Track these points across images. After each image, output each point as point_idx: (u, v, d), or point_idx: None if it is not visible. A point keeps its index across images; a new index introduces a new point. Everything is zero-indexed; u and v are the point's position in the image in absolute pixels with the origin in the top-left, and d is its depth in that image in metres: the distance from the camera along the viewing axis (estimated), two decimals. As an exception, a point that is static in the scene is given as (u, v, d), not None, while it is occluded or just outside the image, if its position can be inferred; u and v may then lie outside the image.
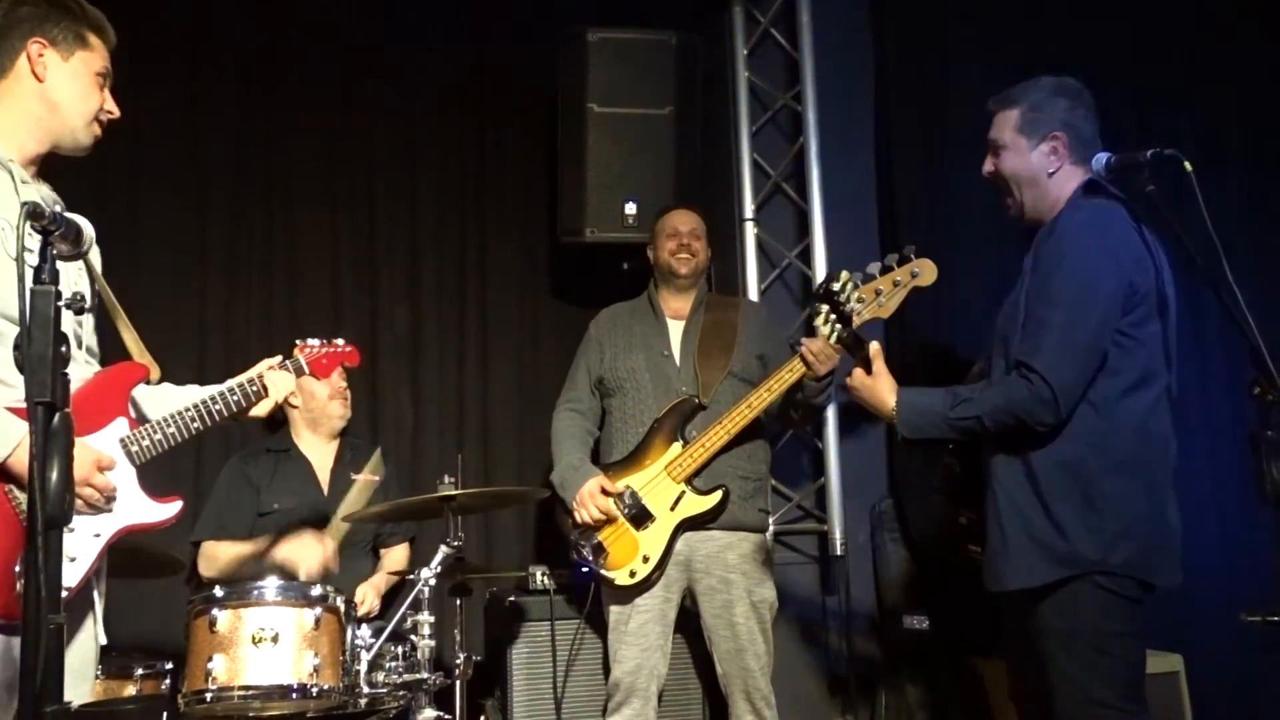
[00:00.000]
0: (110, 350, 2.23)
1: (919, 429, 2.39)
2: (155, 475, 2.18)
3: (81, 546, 1.99)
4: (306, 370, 2.55)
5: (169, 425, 2.15)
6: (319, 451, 3.45)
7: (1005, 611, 2.48)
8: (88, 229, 1.48)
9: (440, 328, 4.15)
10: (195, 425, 2.19)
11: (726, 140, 4.03)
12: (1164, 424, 2.31)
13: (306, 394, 3.34)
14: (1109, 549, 2.21)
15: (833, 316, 2.81)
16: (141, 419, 2.18)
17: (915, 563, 3.76)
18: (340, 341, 2.69)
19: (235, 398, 2.28)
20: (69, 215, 1.44)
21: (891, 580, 3.77)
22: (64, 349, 1.35)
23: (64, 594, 1.41)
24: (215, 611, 2.51)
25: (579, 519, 3.09)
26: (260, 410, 2.38)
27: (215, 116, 3.99)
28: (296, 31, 4.10)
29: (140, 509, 2.10)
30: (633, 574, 3.05)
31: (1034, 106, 2.40)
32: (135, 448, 2.10)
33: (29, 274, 1.34)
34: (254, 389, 2.33)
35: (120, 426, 2.10)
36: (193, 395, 2.26)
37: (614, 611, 3.14)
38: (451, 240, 4.21)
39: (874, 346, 2.51)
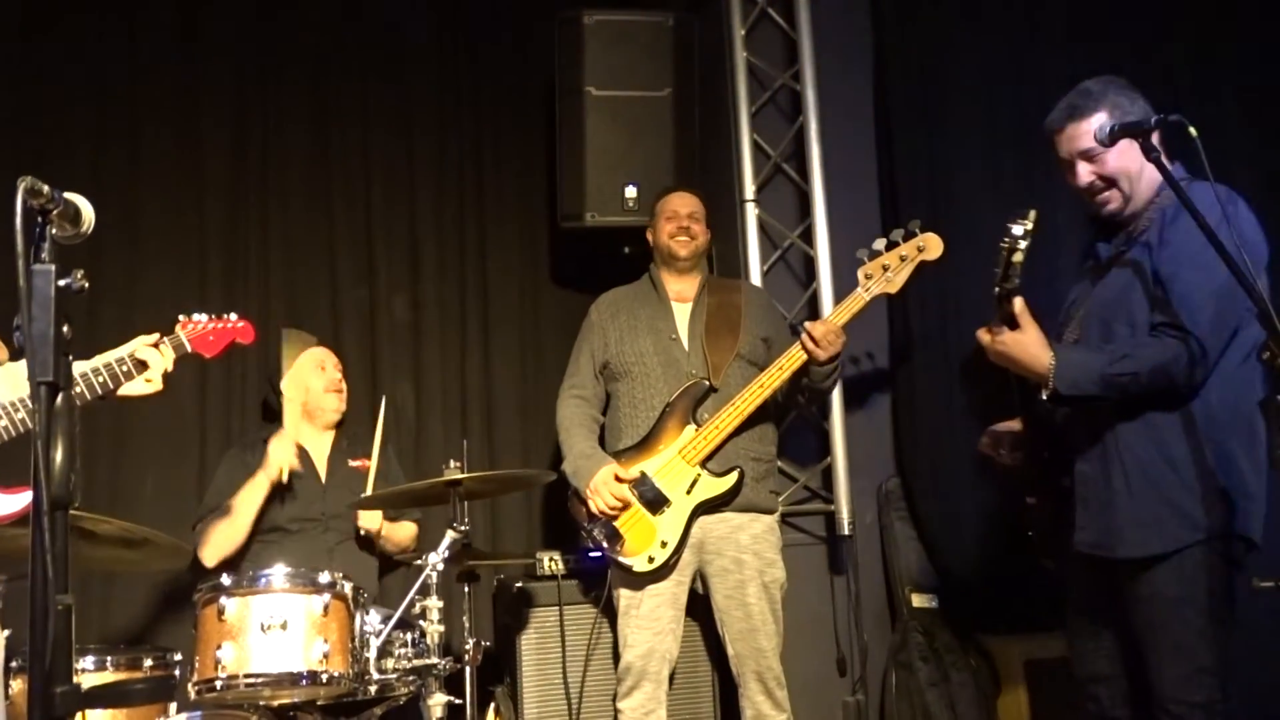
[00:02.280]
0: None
1: (1075, 384, 2.31)
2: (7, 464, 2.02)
3: None
4: (188, 347, 2.42)
5: (17, 411, 1.99)
6: (315, 441, 3.44)
7: (1078, 586, 2.47)
8: (87, 210, 1.46)
9: (441, 315, 4.14)
10: (21, 415, 2.01)
11: (726, 121, 4.00)
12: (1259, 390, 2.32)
13: (300, 386, 3.34)
14: (1234, 513, 2.24)
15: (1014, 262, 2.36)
16: None
17: (923, 541, 3.75)
18: (233, 316, 2.60)
19: (101, 379, 2.13)
20: (68, 195, 1.42)
21: (899, 559, 3.76)
22: (65, 329, 1.34)
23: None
24: (224, 599, 2.52)
25: (594, 508, 3.06)
26: (134, 390, 2.23)
27: (211, 106, 3.97)
28: (292, 17, 4.08)
29: None
30: (651, 559, 3.04)
31: (1116, 105, 2.39)
32: None
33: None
34: (124, 369, 2.18)
35: None
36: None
37: (624, 596, 3.12)
38: (451, 226, 4.20)
39: (1019, 302, 2.36)
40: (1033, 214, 2.26)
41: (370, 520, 3.28)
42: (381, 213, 4.12)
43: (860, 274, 3.08)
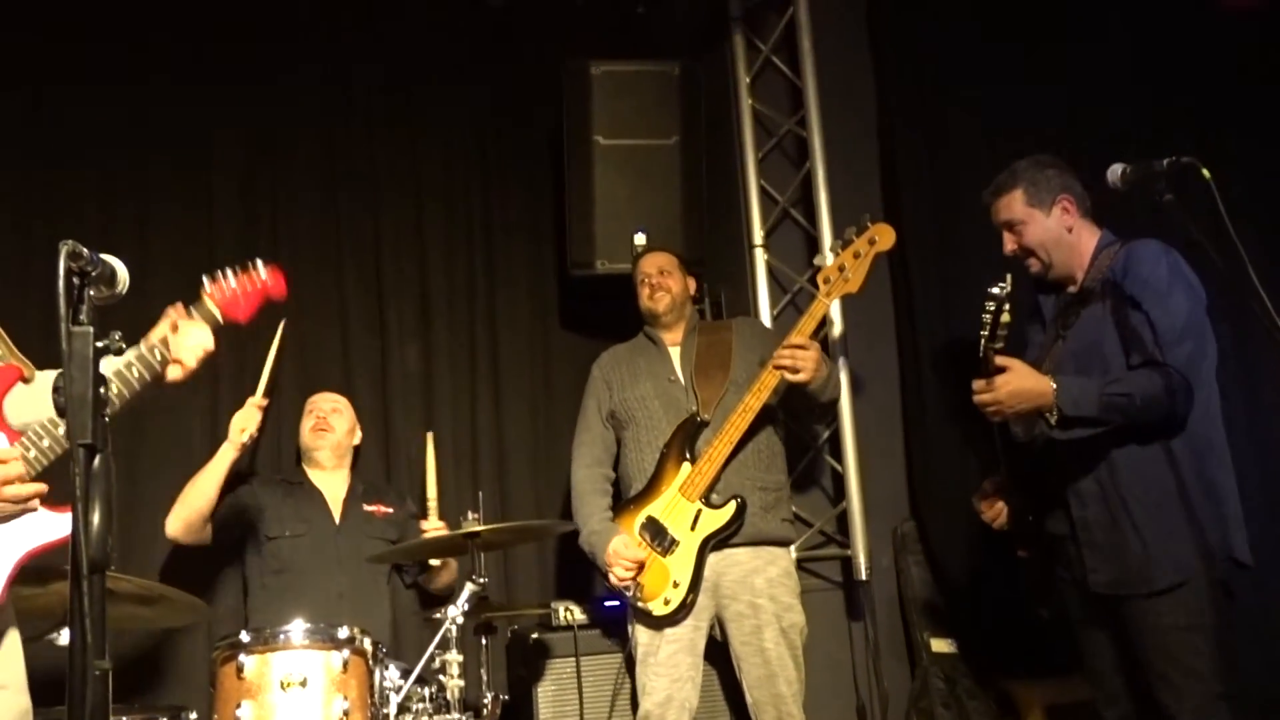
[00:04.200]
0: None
1: (1078, 404, 2.42)
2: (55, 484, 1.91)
3: None
4: (220, 319, 2.14)
5: (57, 427, 1.84)
6: (330, 483, 3.45)
7: (1094, 620, 2.54)
8: (122, 271, 1.47)
9: (452, 365, 4.12)
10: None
11: (733, 168, 4.05)
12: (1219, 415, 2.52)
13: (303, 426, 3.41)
14: (1226, 537, 2.37)
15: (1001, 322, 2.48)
16: (22, 427, 1.92)
17: (940, 584, 3.73)
18: (259, 265, 2.27)
19: (137, 372, 1.93)
20: (104, 257, 1.43)
21: (917, 603, 3.73)
22: (103, 390, 1.34)
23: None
24: (242, 657, 2.49)
25: (616, 578, 3.07)
26: (175, 376, 1.99)
27: (222, 158, 3.97)
28: (300, 70, 4.11)
29: (41, 526, 1.88)
30: (667, 601, 3.03)
31: (1032, 181, 2.65)
32: (32, 453, 1.87)
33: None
34: (158, 358, 1.97)
35: None
36: None
37: (642, 643, 3.10)
38: (460, 276, 4.20)
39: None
40: (1009, 276, 2.40)
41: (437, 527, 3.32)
42: (391, 262, 4.12)
43: (819, 280, 3.13)
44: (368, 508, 3.39)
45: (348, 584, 3.25)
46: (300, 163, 4.08)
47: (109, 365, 1.80)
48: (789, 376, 3.05)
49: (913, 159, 3.96)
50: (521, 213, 4.33)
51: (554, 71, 4.06)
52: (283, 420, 3.77)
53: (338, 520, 3.36)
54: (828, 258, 3.10)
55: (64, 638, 1.96)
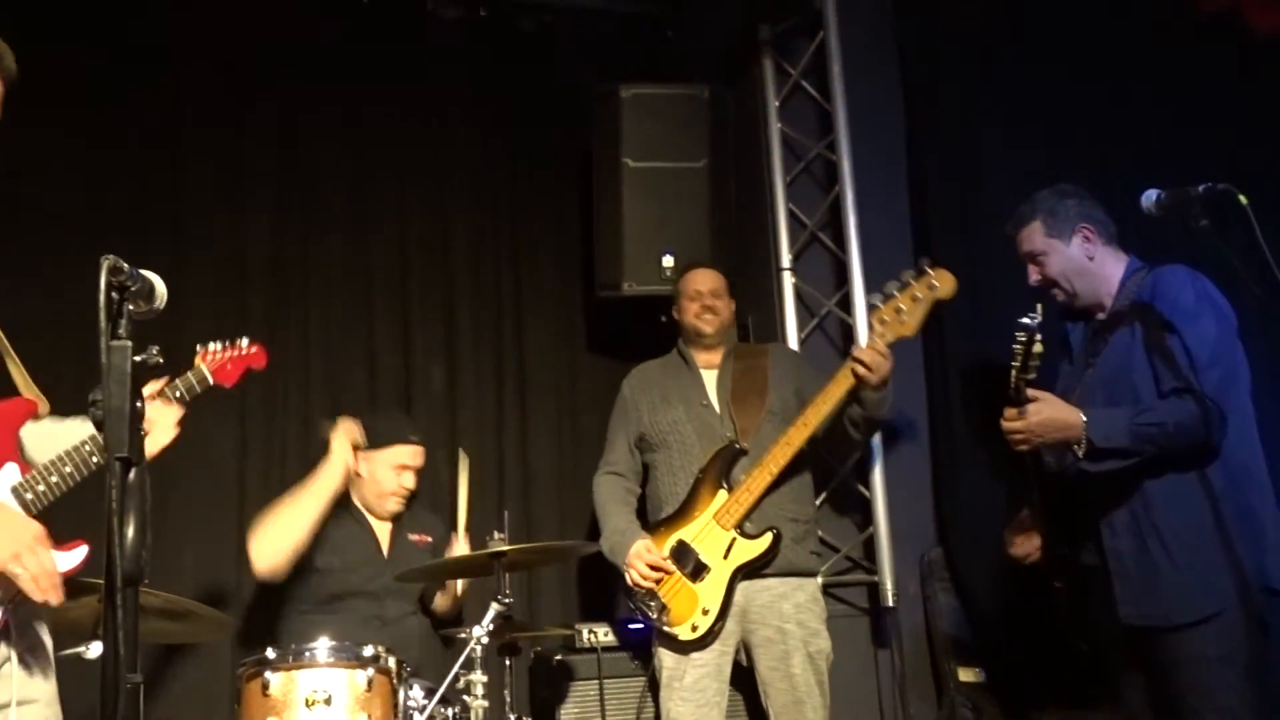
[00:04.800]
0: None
1: (1108, 436, 2.41)
2: (60, 520, 1.94)
3: None
4: (210, 380, 2.33)
5: (65, 464, 1.90)
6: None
7: (1126, 653, 2.50)
8: (160, 286, 1.48)
9: (478, 385, 4.14)
10: (95, 460, 1.92)
11: (761, 191, 4.05)
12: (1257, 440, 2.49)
13: (373, 478, 3.27)
14: (1262, 566, 2.32)
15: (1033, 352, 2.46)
16: (29, 461, 1.95)
17: (968, 612, 3.68)
18: (244, 342, 2.50)
19: (90, 449, 1.94)
20: (143, 273, 1.45)
21: (944, 632, 3.69)
22: (140, 404, 1.35)
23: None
24: (268, 674, 2.49)
25: (630, 581, 3.06)
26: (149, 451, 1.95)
27: (252, 179, 4.02)
28: (330, 91, 4.15)
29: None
30: (694, 628, 3.02)
31: (1050, 211, 2.65)
32: (30, 495, 1.88)
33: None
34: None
35: (10, 473, 1.89)
36: (86, 428, 1.99)
37: (667, 667, 3.08)
38: (487, 297, 4.23)
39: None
40: (1040, 306, 2.40)
41: (462, 547, 3.27)
42: (419, 282, 4.16)
43: (874, 320, 3.06)
44: (412, 537, 3.35)
45: (392, 615, 3.21)
46: (331, 185, 4.12)
47: (67, 439, 1.92)
48: (862, 373, 2.98)
49: (942, 183, 3.94)
50: (549, 234, 4.36)
51: (584, 94, 4.09)
52: (309, 434, 3.79)
53: (386, 554, 3.30)
54: (880, 297, 3.05)
55: (93, 651, 1.97)
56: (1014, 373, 2.41)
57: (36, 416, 2.00)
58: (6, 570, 1.74)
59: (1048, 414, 2.44)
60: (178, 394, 2.26)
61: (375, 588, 3.21)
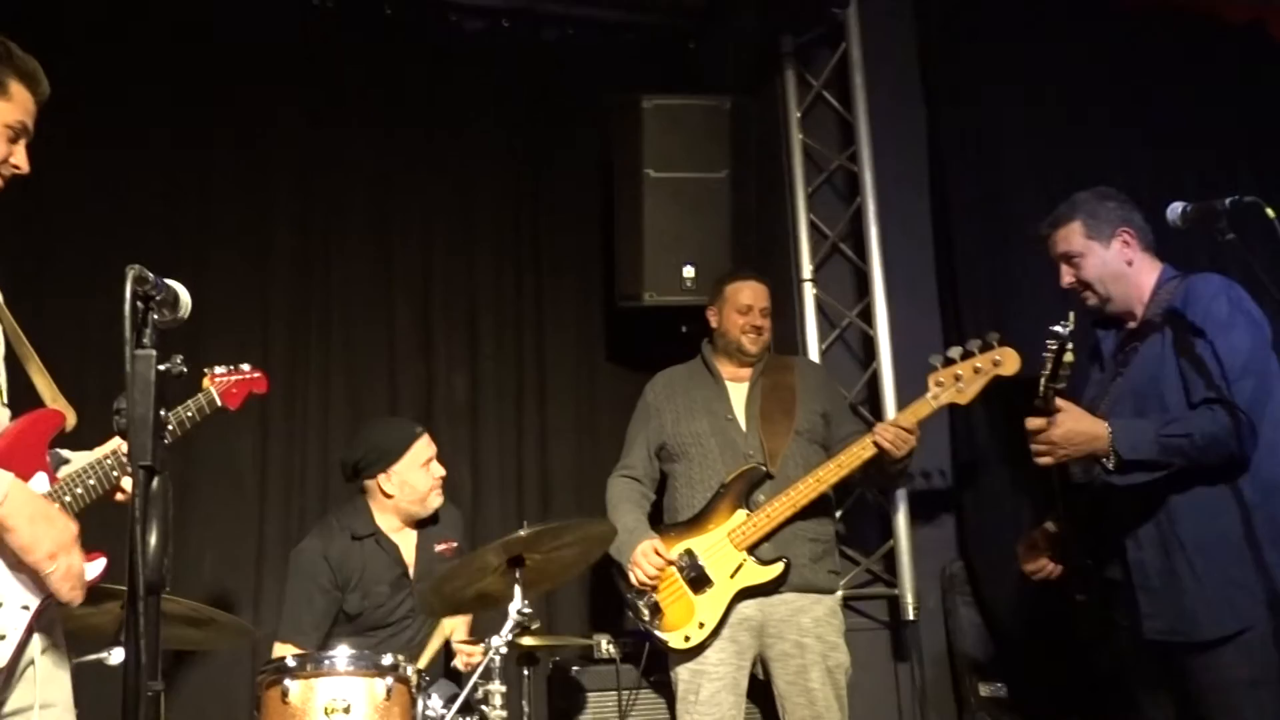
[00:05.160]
0: (18, 397, 1.99)
1: (1135, 448, 2.38)
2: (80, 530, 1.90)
3: (9, 620, 1.77)
4: (219, 402, 2.36)
5: (89, 476, 1.92)
6: (403, 533, 3.29)
7: (1151, 670, 2.45)
8: (184, 296, 1.50)
9: (499, 395, 4.15)
10: (116, 474, 1.95)
11: (782, 202, 4.04)
12: None
13: (406, 487, 3.19)
14: None
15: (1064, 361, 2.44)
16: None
17: (989, 626, 3.65)
18: (246, 367, 2.55)
19: (91, 481, 1.96)
20: (168, 282, 1.46)
21: (965, 645, 3.66)
22: (164, 413, 1.36)
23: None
24: (288, 682, 2.49)
25: (633, 579, 3.05)
26: (129, 489, 1.86)
27: (275, 189, 4.05)
28: (353, 101, 4.18)
29: None
30: (687, 639, 3.01)
31: (1091, 213, 2.60)
32: (68, 498, 1.89)
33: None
34: (113, 467, 2.00)
35: (40, 482, 1.89)
36: (91, 453, 2.01)
37: (683, 681, 3.07)
38: (508, 307, 4.24)
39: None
40: (1072, 315, 2.36)
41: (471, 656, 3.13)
42: (441, 292, 4.17)
43: (930, 380, 3.00)
44: (439, 547, 3.28)
45: (424, 631, 3.19)
46: (354, 195, 4.14)
47: (96, 451, 1.93)
48: (885, 447, 2.98)
49: (964, 195, 3.93)
50: (570, 245, 4.36)
51: (606, 105, 4.10)
52: (329, 443, 3.81)
53: (413, 572, 3.23)
54: (940, 359, 3.02)
55: (114, 658, 1.98)
56: (1043, 381, 2.38)
57: (64, 429, 2.01)
58: (42, 566, 1.76)
59: (1071, 425, 2.41)
60: (189, 413, 2.29)
61: (403, 609, 3.18)
